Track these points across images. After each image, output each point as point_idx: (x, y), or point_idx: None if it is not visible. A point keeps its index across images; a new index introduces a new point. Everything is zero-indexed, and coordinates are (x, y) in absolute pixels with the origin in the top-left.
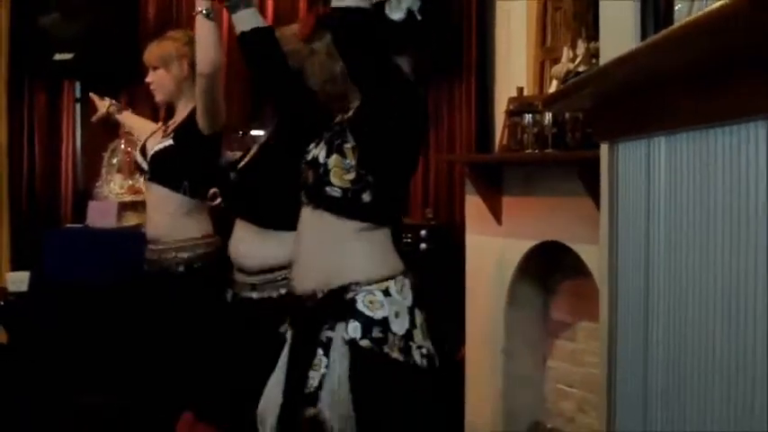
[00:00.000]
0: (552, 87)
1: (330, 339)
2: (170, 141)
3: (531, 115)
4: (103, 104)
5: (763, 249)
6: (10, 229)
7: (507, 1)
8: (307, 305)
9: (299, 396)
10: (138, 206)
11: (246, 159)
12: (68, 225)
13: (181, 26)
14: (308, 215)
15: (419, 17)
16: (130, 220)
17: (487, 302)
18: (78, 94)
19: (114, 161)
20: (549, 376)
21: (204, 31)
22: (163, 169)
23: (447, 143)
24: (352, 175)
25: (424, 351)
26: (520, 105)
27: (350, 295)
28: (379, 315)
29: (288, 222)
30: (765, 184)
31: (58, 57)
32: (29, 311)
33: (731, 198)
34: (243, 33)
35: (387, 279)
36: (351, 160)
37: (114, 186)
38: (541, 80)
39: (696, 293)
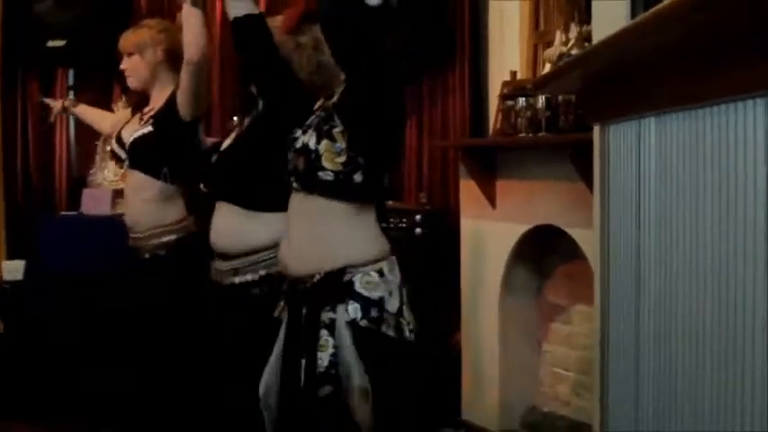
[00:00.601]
0: (545, 71)
1: (333, 320)
2: (149, 128)
3: (524, 99)
4: (57, 103)
5: (752, 230)
6: (5, 217)
7: None
8: (300, 288)
9: (308, 376)
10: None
11: (229, 142)
12: (63, 213)
13: (172, 15)
14: (299, 201)
15: (394, 3)
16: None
17: (482, 286)
18: (71, 82)
19: (108, 149)
20: (544, 360)
21: (191, 18)
22: (142, 156)
23: (441, 127)
24: (343, 158)
25: (411, 327)
26: (513, 89)
27: (347, 277)
28: (375, 295)
29: (270, 203)
30: (754, 164)
31: (50, 44)
32: (24, 300)
33: (720, 178)
34: (236, 18)
35: (380, 260)
36: (341, 143)
37: (108, 174)
38: (534, 64)
39: (686, 274)
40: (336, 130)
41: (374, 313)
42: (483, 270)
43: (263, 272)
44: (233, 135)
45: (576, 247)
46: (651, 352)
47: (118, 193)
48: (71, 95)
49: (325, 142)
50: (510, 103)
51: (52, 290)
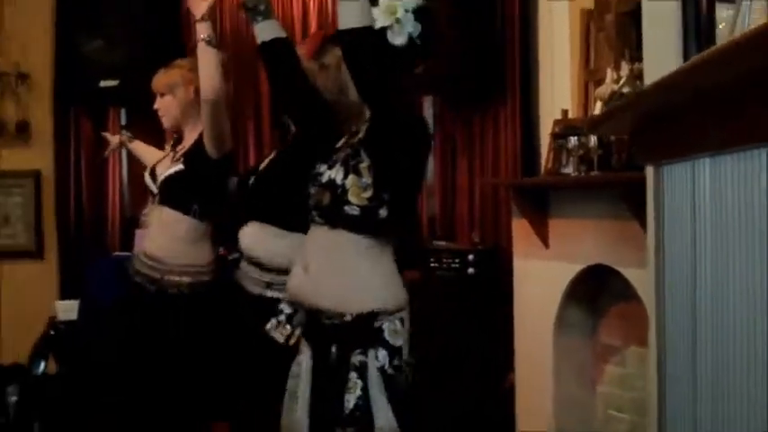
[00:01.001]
0: (597, 109)
1: (364, 364)
2: (180, 166)
3: (576, 137)
4: (114, 138)
5: None
6: (59, 257)
7: (550, 23)
8: (326, 324)
9: (334, 417)
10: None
11: (264, 165)
12: (116, 253)
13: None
14: (322, 234)
15: (419, 42)
16: None
17: (536, 326)
18: (123, 121)
19: None
20: (598, 401)
21: (206, 57)
22: (173, 193)
23: (492, 166)
24: (369, 193)
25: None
26: (565, 128)
27: (378, 323)
28: (398, 344)
29: (300, 224)
30: None
31: (103, 84)
32: (78, 340)
33: None
34: (263, 43)
35: (403, 309)
36: (367, 179)
37: None
38: (586, 102)
39: (742, 313)
40: (363, 165)
41: (396, 361)
42: (536, 309)
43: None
44: (269, 158)
45: (629, 287)
46: (708, 392)
47: None
48: (125, 132)
49: (351, 177)
50: (561, 141)
51: (105, 329)
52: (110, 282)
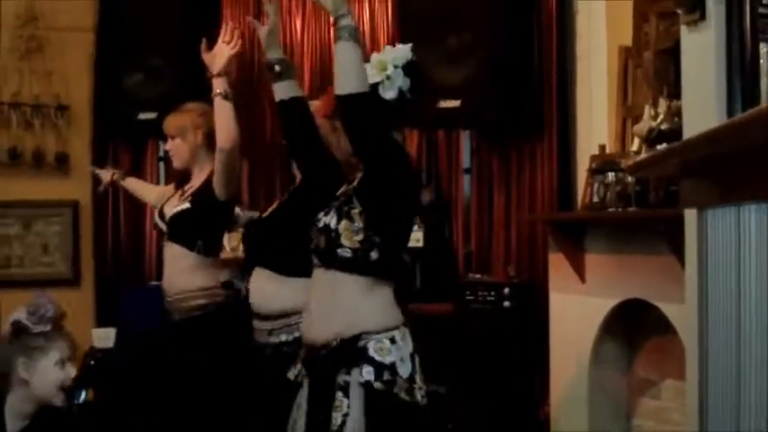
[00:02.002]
0: (634, 145)
1: (348, 383)
2: (187, 204)
3: (613, 173)
4: (107, 174)
5: None
6: (95, 286)
7: (588, 59)
8: (321, 353)
9: None
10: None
11: (267, 213)
12: (152, 283)
13: (262, 87)
14: (320, 275)
15: (408, 96)
16: None
17: (572, 360)
18: (162, 153)
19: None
20: None
21: (223, 110)
22: (180, 230)
23: (529, 201)
24: (360, 236)
25: (423, 392)
26: (602, 163)
27: (362, 343)
28: (387, 360)
29: (301, 270)
30: None
31: (141, 116)
32: (115, 368)
33: None
34: (282, 101)
35: (392, 329)
36: (358, 223)
37: None
38: (623, 138)
39: None
40: (355, 211)
41: (387, 376)
42: (572, 343)
43: (297, 334)
44: (273, 207)
45: (666, 322)
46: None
47: None
48: (117, 171)
49: (344, 222)
50: (599, 177)
51: (140, 358)
52: (145, 311)
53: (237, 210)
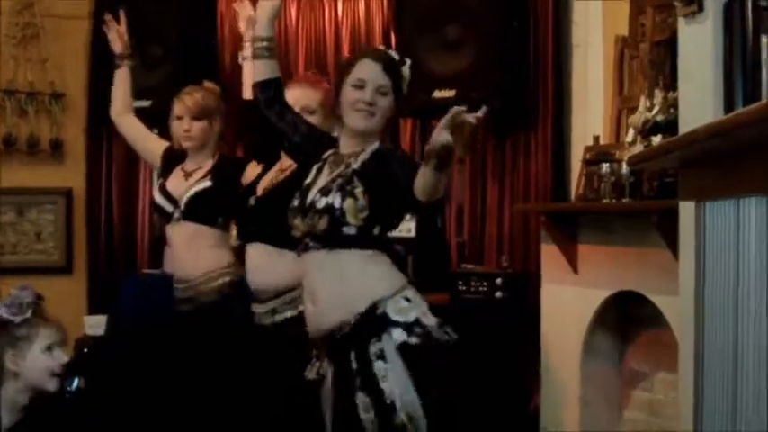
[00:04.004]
0: (629, 136)
1: (382, 350)
2: (208, 183)
3: (608, 164)
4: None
5: None
6: (88, 273)
7: (584, 49)
8: (337, 337)
9: (379, 410)
10: None
11: (269, 189)
12: (145, 270)
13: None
14: (319, 258)
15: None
16: None
17: (564, 351)
18: None
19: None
20: (624, 426)
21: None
22: (201, 209)
23: (522, 191)
24: (365, 214)
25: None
26: (596, 154)
27: (379, 311)
28: (412, 317)
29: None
30: None
31: (136, 104)
32: (105, 356)
33: None
34: (267, 80)
35: (403, 289)
36: (363, 201)
37: None
38: (618, 129)
39: None
40: (358, 190)
41: (418, 330)
42: (564, 335)
43: (301, 308)
44: (269, 180)
45: (659, 314)
46: (748, 421)
47: None
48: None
49: (349, 200)
50: (593, 168)
51: (130, 346)
52: (139, 299)
53: None
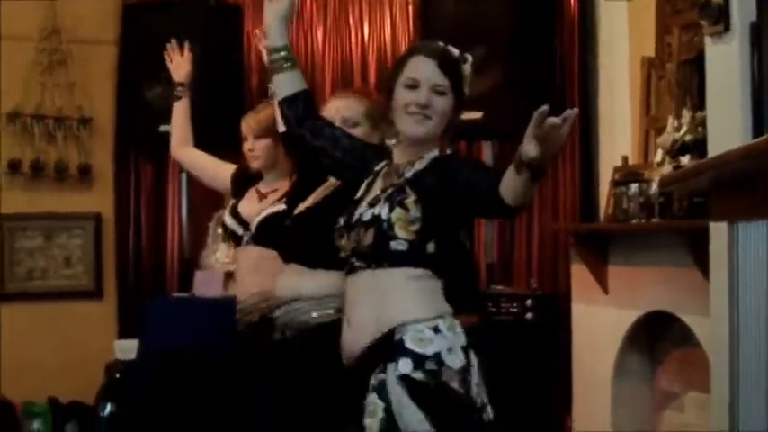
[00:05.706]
0: (657, 157)
1: (382, 382)
2: (281, 206)
3: (637, 184)
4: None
5: None
6: (117, 297)
7: (610, 69)
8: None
9: None
10: None
11: (303, 207)
12: (175, 294)
13: None
14: (362, 280)
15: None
16: None
17: (594, 371)
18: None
19: (219, 231)
20: None
21: None
22: (273, 233)
23: (551, 212)
24: (416, 226)
25: (483, 393)
26: (625, 175)
27: (398, 336)
28: (430, 351)
29: (333, 261)
30: None
31: (163, 128)
32: (136, 380)
33: None
34: (295, 94)
35: (436, 318)
36: (415, 212)
37: (220, 255)
38: (646, 149)
39: None
40: (409, 200)
41: (430, 366)
42: (595, 355)
43: (336, 304)
44: (308, 201)
45: (690, 334)
46: None
47: (229, 275)
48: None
49: (397, 210)
50: (622, 188)
51: (160, 371)
52: (167, 323)
53: None
